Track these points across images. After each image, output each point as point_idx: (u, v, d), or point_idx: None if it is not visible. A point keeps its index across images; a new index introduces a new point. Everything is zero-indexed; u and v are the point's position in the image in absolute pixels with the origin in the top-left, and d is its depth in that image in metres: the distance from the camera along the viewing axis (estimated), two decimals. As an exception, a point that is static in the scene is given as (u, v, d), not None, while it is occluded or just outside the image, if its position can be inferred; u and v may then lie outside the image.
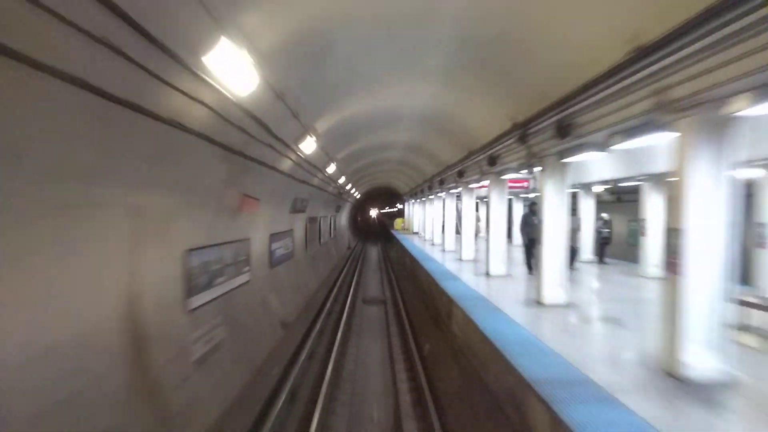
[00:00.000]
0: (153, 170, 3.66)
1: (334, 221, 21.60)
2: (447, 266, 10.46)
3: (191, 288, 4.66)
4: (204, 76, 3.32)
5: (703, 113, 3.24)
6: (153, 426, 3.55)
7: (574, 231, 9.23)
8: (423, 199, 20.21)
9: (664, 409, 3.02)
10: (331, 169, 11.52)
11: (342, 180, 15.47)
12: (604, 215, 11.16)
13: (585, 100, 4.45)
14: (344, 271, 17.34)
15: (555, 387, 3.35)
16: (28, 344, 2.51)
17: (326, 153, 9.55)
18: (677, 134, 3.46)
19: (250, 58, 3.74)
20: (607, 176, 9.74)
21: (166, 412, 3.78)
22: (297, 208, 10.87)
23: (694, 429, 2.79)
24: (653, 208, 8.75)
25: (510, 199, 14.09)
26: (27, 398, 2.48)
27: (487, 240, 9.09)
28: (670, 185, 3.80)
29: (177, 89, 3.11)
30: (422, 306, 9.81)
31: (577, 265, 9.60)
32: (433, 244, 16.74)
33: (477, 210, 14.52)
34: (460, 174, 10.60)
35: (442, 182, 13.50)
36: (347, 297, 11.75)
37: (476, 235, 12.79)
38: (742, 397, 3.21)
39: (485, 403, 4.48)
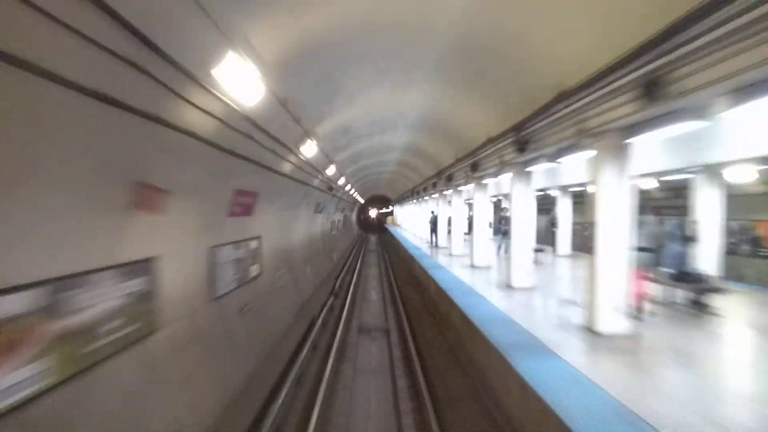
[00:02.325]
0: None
1: (350, 217, 36.73)
2: (413, 242, 24.77)
3: (331, 229, 19.86)
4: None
5: None
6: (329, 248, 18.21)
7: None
8: (403, 204, 33.65)
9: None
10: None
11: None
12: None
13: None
14: (357, 244, 31.99)
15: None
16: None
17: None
18: None
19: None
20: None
21: (331, 256, 18.35)
22: (341, 211, 25.00)
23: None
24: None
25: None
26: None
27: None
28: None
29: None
30: (395, 254, 24.07)
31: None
32: (405, 230, 31.07)
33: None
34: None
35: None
36: (361, 249, 26.84)
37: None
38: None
39: (406, 267, 19.57)
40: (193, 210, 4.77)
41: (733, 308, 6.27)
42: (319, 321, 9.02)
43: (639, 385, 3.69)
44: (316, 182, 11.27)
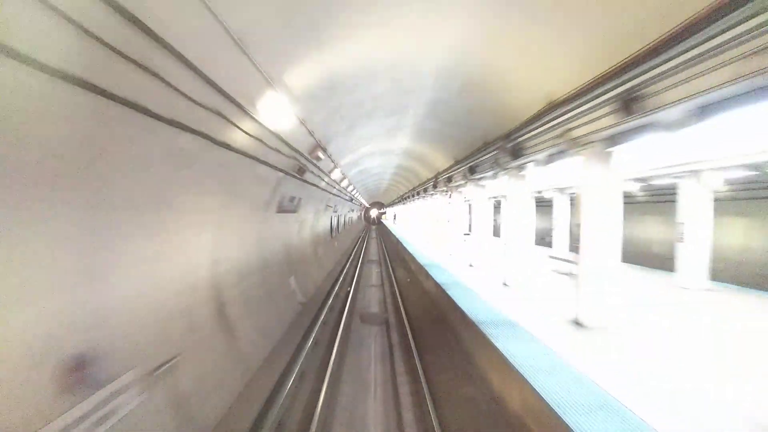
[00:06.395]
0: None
1: (360, 214, 55.02)
2: (398, 231, 42.70)
3: (358, 218, 41.88)
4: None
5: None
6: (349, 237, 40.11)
7: None
8: (393, 206, 49.24)
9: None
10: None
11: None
12: None
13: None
14: (364, 231, 49.97)
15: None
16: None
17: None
18: None
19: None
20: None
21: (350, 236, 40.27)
22: (358, 211, 44.85)
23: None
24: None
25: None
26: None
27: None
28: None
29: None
30: (386, 235, 41.49)
31: None
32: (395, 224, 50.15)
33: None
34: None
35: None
36: (367, 233, 47.08)
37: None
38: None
39: (396, 242, 39.16)
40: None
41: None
42: (360, 239, 33.88)
43: None
44: (354, 201, 29.22)
